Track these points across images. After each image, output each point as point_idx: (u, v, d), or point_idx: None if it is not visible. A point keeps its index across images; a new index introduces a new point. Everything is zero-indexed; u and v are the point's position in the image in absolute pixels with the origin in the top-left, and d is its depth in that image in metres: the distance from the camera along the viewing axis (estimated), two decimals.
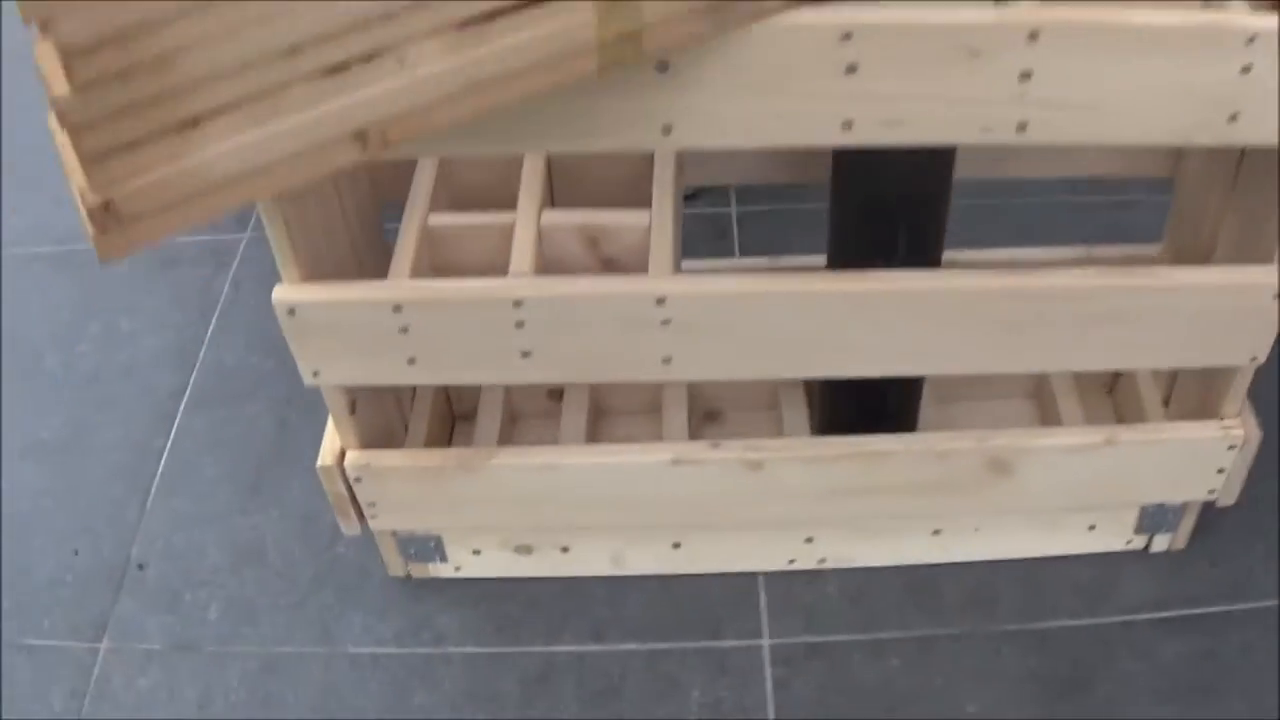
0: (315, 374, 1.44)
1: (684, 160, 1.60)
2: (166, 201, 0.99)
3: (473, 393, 1.84)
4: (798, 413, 1.81)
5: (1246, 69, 1.18)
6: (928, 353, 1.44)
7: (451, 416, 1.87)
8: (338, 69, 0.99)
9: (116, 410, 2.06)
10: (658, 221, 1.47)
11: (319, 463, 1.54)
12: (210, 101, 0.97)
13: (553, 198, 1.61)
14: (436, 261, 1.52)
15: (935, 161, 1.41)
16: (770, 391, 1.86)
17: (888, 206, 1.45)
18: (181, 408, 2.05)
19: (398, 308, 1.37)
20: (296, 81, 0.98)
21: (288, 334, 1.40)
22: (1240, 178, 1.50)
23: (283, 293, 1.37)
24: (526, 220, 1.48)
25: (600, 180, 1.59)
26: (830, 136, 1.23)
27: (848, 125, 1.22)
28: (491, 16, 1.02)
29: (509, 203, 1.52)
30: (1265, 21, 1.16)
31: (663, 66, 1.16)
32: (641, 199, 1.51)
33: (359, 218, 1.53)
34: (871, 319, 1.39)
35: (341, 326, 1.40)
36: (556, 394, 1.83)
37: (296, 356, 1.43)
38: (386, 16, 0.98)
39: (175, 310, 2.22)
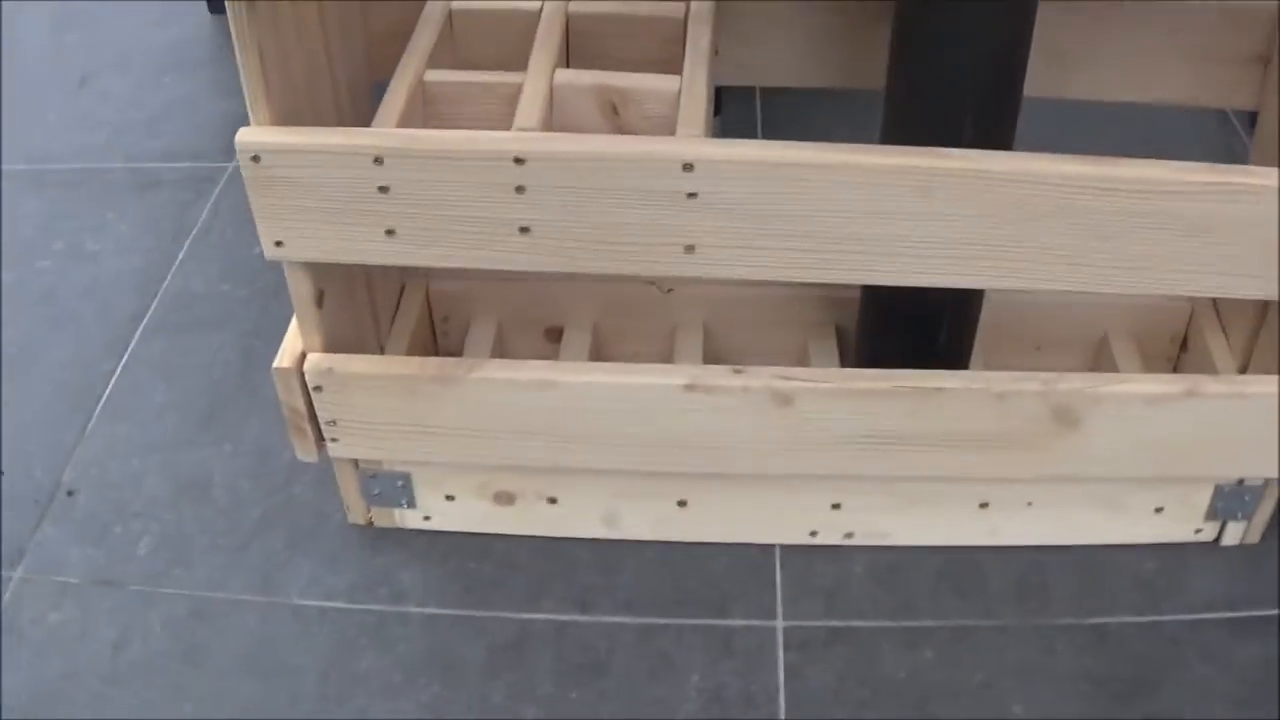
0: (278, 244, 1.24)
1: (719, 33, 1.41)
2: None
3: (460, 323, 1.64)
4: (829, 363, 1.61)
5: None
6: (997, 256, 1.23)
7: (436, 351, 1.68)
8: None
9: (69, 329, 1.89)
10: (689, 86, 1.27)
11: (274, 364, 1.33)
12: None
13: (569, 62, 1.41)
14: (431, 124, 1.32)
15: (1014, 20, 1.22)
16: (799, 342, 1.65)
17: (956, 82, 1.26)
18: (139, 331, 1.88)
19: (379, 159, 1.17)
20: None
21: (250, 188, 1.21)
22: None
23: (249, 134, 1.18)
24: (537, 77, 1.28)
25: (624, 50, 1.40)
26: None
27: None
28: None
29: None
30: None
31: None
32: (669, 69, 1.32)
33: (349, 89, 1.35)
34: (934, 205, 1.19)
35: (313, 182, 1.20)
36: (555, 333, 1.65)
37: (258, 219, 1.23)
38: None
39: (147, 233, 2.07)
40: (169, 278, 1.96)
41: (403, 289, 1.61)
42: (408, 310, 1.59)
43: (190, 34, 2.59)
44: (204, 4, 2.63)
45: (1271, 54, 1.47)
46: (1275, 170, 1.20)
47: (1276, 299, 1.26)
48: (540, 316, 1.65)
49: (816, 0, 1.46)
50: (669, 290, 1.63)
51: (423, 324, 1.61)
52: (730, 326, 1.65)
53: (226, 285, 1.94)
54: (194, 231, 2.05)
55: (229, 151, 2.16)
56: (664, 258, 1.23)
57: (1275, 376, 1.37)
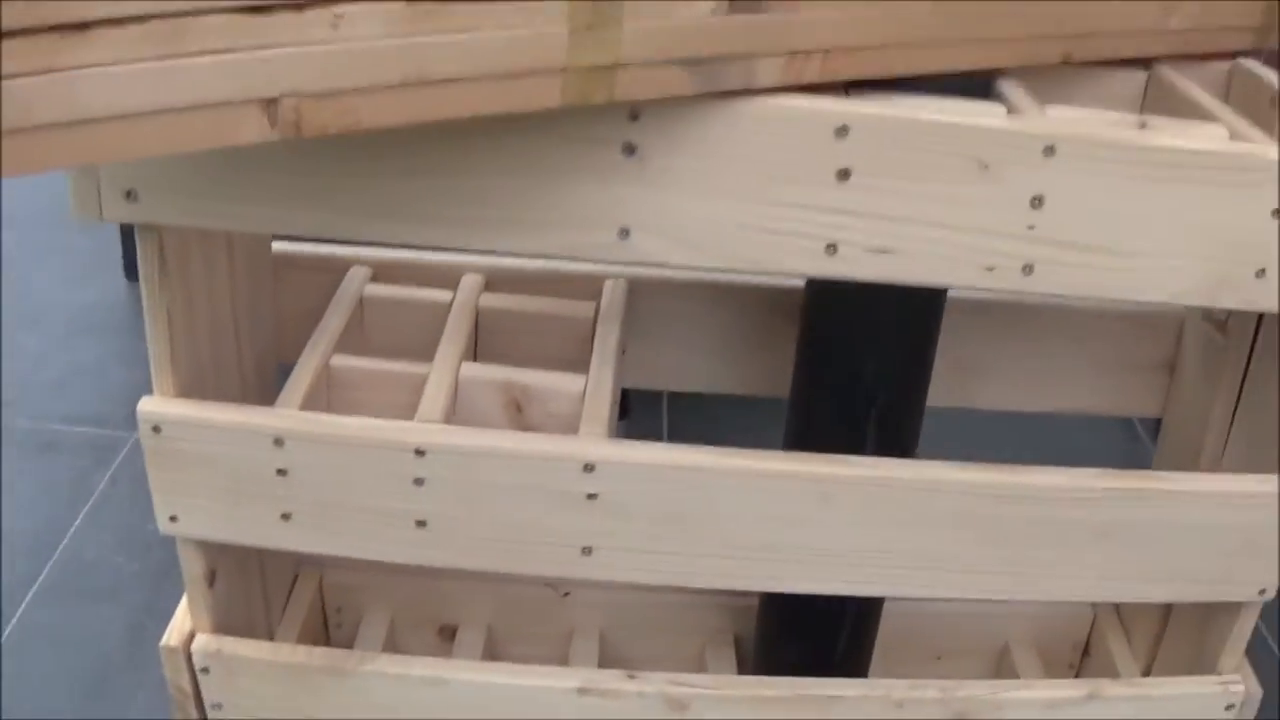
0: (173, 519, 1.21)
1: (628, 333, 1.41)
2: (35, 119, 0.78)
3: (353, 615, 1.60)
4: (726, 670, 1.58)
5: (1278, 212, 1.03)
6: (898, 565, 1.22)
7: (327, 642, 1.62)
8: (261, 9, 0.80)
9: None
10: (594, 386, 1.26)
11: (162, 641, 1.29)
12: (108, 6, 0.77)
13: (476, 355, 1.40)
14: (336, 408, 1.31)
15: (919, 328, 1.23)
16: (697, 649, 1.62)
17: (860, 389, 1.27)
18: (29, 596, 1.85)
19: (279, 441, 1.16)
20: (210, 11, 0.79)
21: (149, 459, 1.18)
22: (1254, 368, 1.34)
23: (151, 404, 1.17)
24: (443, 369, 1.28)
25: (532, 345, 1.40)
26: (811, 263, 1.06)
27: (832, 249, 1.05)
28: None
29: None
30: None
31: (634, 114, 1.00)
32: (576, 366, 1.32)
33: (256, 368, 1.34)
34: (835, 512, 1.18)
35: (211, 458, 1.17)
36: (449, 631, 1.61)
37: (154, 491, 1.20)
38: None
39: (44, 496, 2.08)
40: (63, 544, 1.92)
41: (296, 577, 1.58)
42: (300, 599, 1.55)
43: (107, 298, 2.59)
44: (121, 269, 2.63)
45: (1175, 361, 1.49)
46: (1178, 475, 1.21)
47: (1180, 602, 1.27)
48: (435, 614, 1.62)
49: (726, 305, 1.47)
50: (566, 594, 1.60)
51: (315, 614, 1.57)
52: (628, 632, 1.62)
53: (120, 557, 1.90)
54: (92, 499, 2.02)
55: (132, 421, 2.14)
56: (561, 559, 1.21)
57: (1179, 679, 1.36)
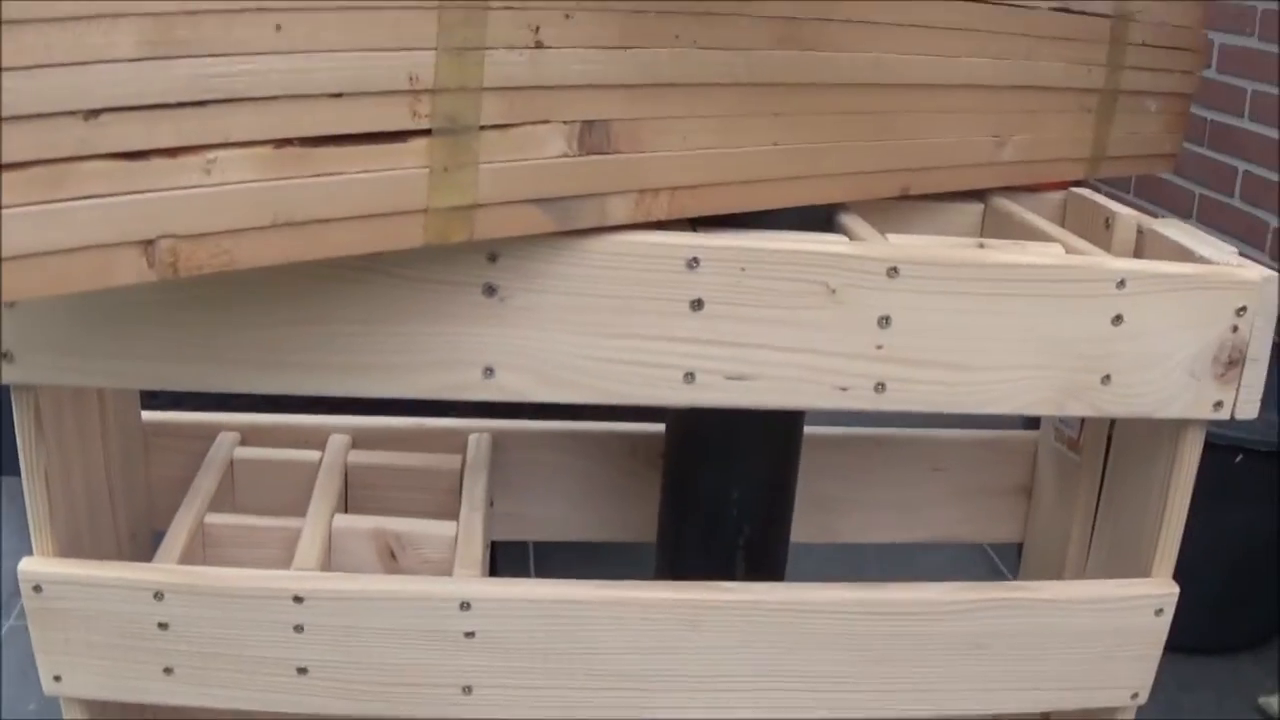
0: (56, 679, 1.20)
1: (494, 485, 1.43)
2: None
3: None
4: None
5: (1118, 319, 1.08)
6: (772, 687, 1.24)
7: None
8: (137, 155, 0.83)
9: None
10: (465, 531, 1.29)
11: None
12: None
13: (347, 511, 1.41)
14: (212, 565, 1.30)
15: (780, 453, 1.26)
16: None
17: (726, 523, 1.29)
18: None
19: (159, 595, 1.16)
20: (91, 157, 0.82)
21: (31, 620, 1.18)
22: (1110, 478, 1.38)
23: (31, 564, 1.17)
24: (316, 522, 1.29)
25: (402, 500, 1.41)
26: (671, 393, 1.09)
27: (690, 378, 1.09)
28: (315, 141, 0.90)
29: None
30: (1136, 264, 1.08)
31: (492, 255, 1.04)
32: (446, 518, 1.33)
33: (130, 534, 1.35)
34: (706, 638, 1.20)
35: (93, 615, 1.17)
36: None
37: (37, 652, 1.19)
38: (199, 105, 0.84)
39: None
40: None
41: None
42: None
43: None
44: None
45: (1032, 484, 1.53)
46: (1046, 583, 1.24)
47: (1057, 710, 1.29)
48: None
49: (588, 452, 1.50)
50: None
51: None
52: None
53: (32, 704, 1.86)
54: None
55: (8, 608, 2.14)
56: (442, 700, 1.22)
57: None
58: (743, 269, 1.06)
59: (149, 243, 0.86)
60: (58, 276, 0.84)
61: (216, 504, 1.35)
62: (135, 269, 0.86)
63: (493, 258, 1.04)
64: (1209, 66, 2.90)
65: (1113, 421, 1.36)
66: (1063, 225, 1.33)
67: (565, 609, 1.19)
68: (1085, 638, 1.26)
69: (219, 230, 0.88)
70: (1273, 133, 2.75)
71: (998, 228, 1.32)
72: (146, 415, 1.44)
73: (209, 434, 1.46)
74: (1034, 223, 1.26)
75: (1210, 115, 2.94)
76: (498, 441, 1.46)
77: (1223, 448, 2.04)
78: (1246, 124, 2.85)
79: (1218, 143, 2.94)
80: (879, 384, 1.10)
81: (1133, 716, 1.34)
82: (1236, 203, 2.89)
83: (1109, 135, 1.38)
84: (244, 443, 1.45)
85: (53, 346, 1.07)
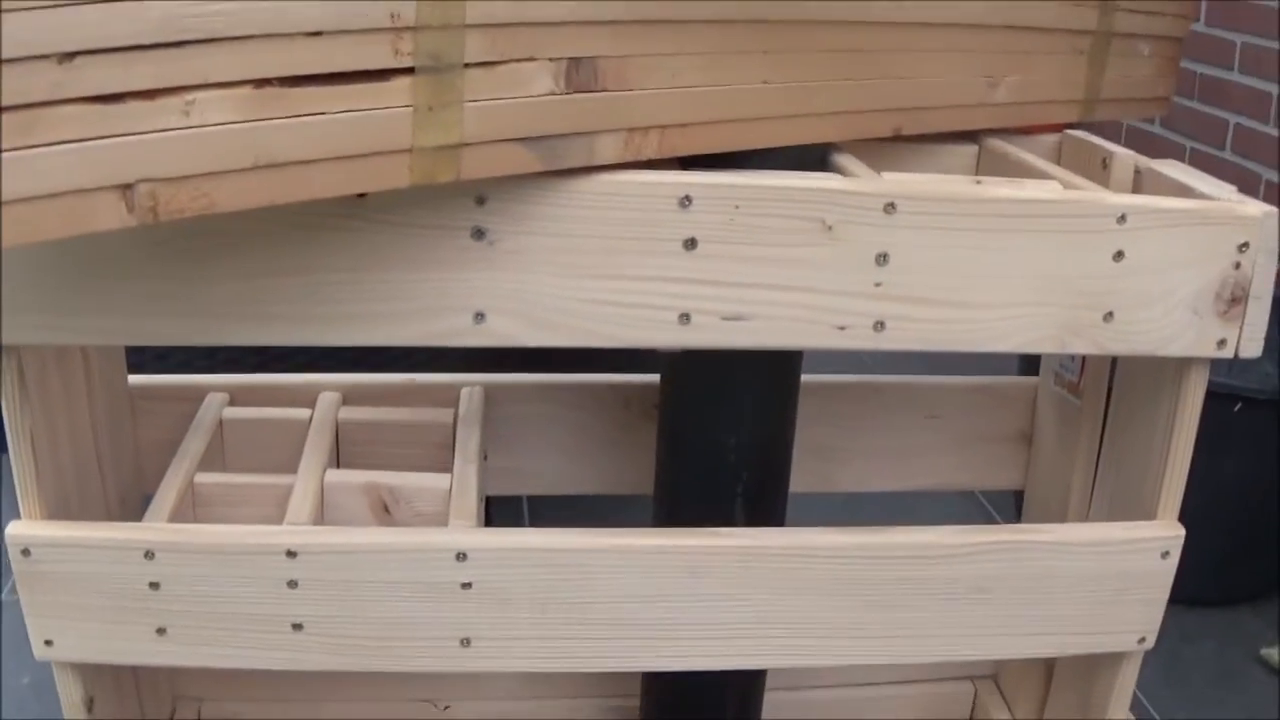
0: (47, 643, 1.18)
1: (487, 439, 1.41)
2: None
3: None
4: None
5: (1119, 255, 1.06)
6: (773, 635, 1.22)
7: None
8: (114, 98, 0.81)
9: None
10: (460, 483, 1.27)
11: None
12: None
13: (339, 465, 1.40)
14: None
15: (778, 397, 1.25)
16: None
17: (723, 468, 1.28)
18: None
19: (149, 554, 1.14)
20: (66, 101, 0.79)
21: (20, 584, 1.16)
22: (1112, 421, 1.35)
23: (19, 528, 1.15)
24: (308, 478, 1.27)
25: (394, 455, 1.40)
26: (665, 334, 1.08)
27: (685, 319, 1.07)
28: (295, 81, 0.87)
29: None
30: (1137, 199, 1.06)
31: (480, 198, 1.02)
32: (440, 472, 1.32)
33: (119, 498, 1.33)
34: (706, 585, 1.19)
35: (82, 577, 1.16)
36: None
37: (28, 617, 1.18)
38: (176, 46, 0.82)
39: None
40: None
41: (174, 711, 1.55)
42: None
43: None
44: None
45: (1032, 430, 1.52)
46: (1050, 526, 1.23)
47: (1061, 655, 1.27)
48: None
49: (582, 404, 1.49)
50: (446, 707, 1.59)
51: None
52: None
53: (25, 678, 1.85)
54: None
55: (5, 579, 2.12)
56: (440, 652, 1.20)
57: None
58: (736, 207, 1.04)
59: (128, 187, 0.84)
60: (34, 224, 0.81)
61: (206, 464, 1.34)
62: (115, 214, 0.84)
63: (480, 200, 1.02)
64: (1198, 19, 2.88)
65: (1114, 364, 1.35)
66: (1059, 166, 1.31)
67: (564, 558, 1.17)
68: (1090, 581, 1.25)
69: (199, 173, 0.85)
70: (1262, 85, 2.74)
71: (993, 168, 1.30)
72: (133, 378, 1.42)
73: (197, 395, 1.44)
74: (1030, 162, 1.25)
75: (1200, 69, 2.93)
76: (490, 395, 1.45)
77: (1222, 396, 2.02)
78: (1237, 77, 2.84)
79: (1208, 96, 2.93)
80: (878, 322, 1.09)
81: (1139, 662, 1.33)
82: (1228, 155, 2.87)
83: (1102, 78, 1.36)
84: (233, 403, 1.43)
85: (35, 306, 1.05)
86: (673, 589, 1.18)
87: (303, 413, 1.40)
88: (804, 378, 1.33)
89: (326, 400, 1.42)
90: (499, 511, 2.15)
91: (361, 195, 1.00)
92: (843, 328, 1.08)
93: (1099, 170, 1.27)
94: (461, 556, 1.15)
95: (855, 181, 1.07)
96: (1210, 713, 2.05)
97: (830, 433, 1.50)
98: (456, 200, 1.02)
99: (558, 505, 1.60)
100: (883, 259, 1.07)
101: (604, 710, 1.60)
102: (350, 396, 1.44)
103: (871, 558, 1.20)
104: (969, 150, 1.33)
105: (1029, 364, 1.56)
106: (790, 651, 1.23)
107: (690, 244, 1.05)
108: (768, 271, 1.06)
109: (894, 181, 1.08)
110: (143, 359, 1.43)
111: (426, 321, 1.06)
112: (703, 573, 1.18)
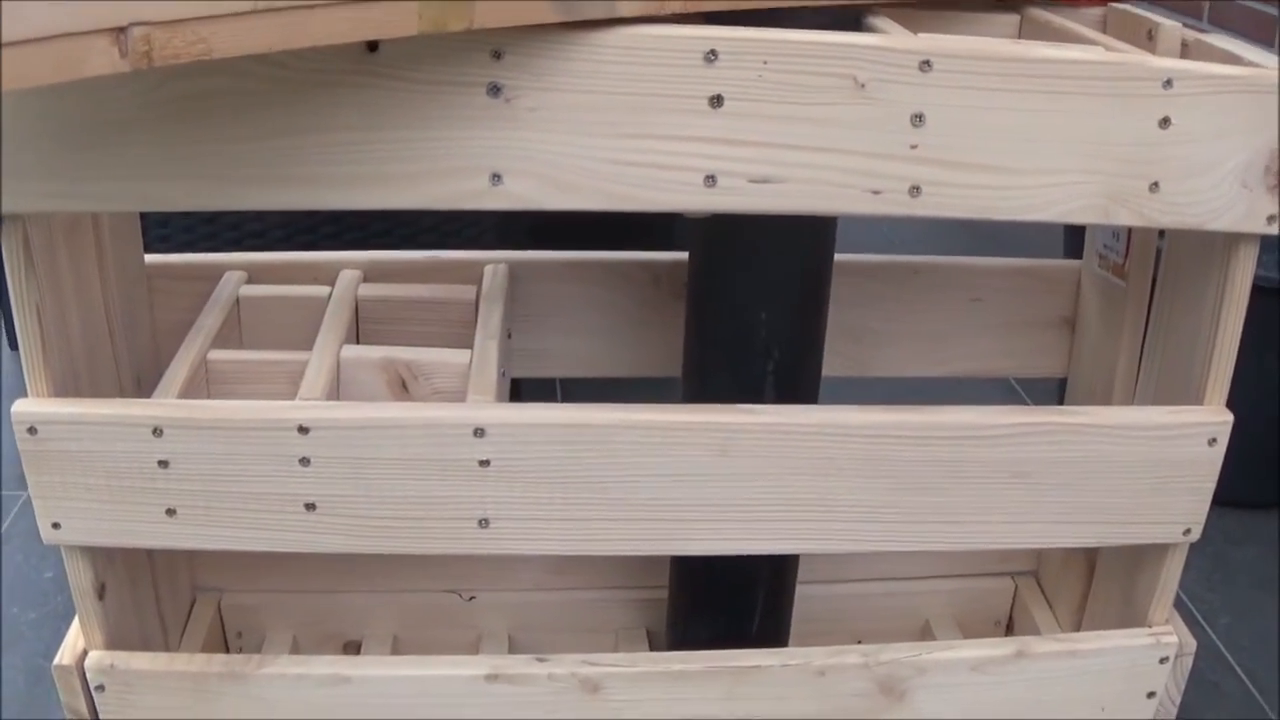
0: (55, 525, 1.15)
1: (511, 319, 1.37)
2: None
3: (254, 638, 1.55)
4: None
5: (1165, 122, 1.02)
6: (804, 518, 1.18)
7: None
8: None
9: None
10: (480, 359, 1.23)
11: (54, 661, 1.23)
12: None
13: (359, 342, 1.36)
14: None
15: (810, 271, 1.20)
16: (608, 647, 1.58)
17: (756, 342, 1.23)
18: None
19: (158, 430, 1.11)
20: None
21: (27, 464, 1.13)
22: (1158, 303, 1.30)
23: (25, 405, 1.11)
24: (323, 354, 1.23)
25: (415, 331, 1.36)
26: (690, 197, 1.03)
27: (711, 181, 1.02)
28: None
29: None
30: (1183, 64, 1.01)
31: (496, 52, 0.97)
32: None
33: (133, 379, 1.30)
34: (735, 464, 1.15)
35: (90, 456, 1.12)
36: (354, 647, 1.56)
37: (35, 498, 1.15)
38: None
39: None
40: None
41: (194, 601, 1.52)
42: (199, 622, 1.49)
43: None
44: (4, 339, 2.58)
45: (1075, 316, 1.47)
46: (1093, 409, 1.19)
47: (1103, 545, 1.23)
48: (337, 630, 1.57)
49: (609, 283, 1.44)
50: (471, 598, 1.56)
51: (214, 637, 1.51)
52: (535, 633, 1.58)
53: (15, 608, 1.83)
54: None
55: (22, 480, 2.09)
56: (458, 534, 1.17)
57: (1109, 632, 1.33)
58: (764, 62, 0.99)
59: (120, 30, 0.79)
60: (23, 70, 0.77)
61: (221, 342, 1.30)
62: (107, 59, 0.80)
63: (497, 55, 0.97)
64: None
65: (1159, 245, 1.30)
66: None
67: (586, 434, 1.13)
68: (1134, 468, 1.20)
69: (195, 16, 0.81)
70: None
71: (1035, 37, 1.25)
72: (150, 257, 1.38)
73: (214, 275, 1.40)
74: (1074, 29, 1.19)
75: None
76: (515, 273, 1.40)
77: (1269, 291, 1.96)
78: None
79: None
80: (914, 187, 1.04)
81: (1183, 558, 1.29)
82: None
83: None
84: (251, 281, 1.40)
85: (36, 172, 1.01)
86: (700, 468, 1.14)
87: (322, 290, 1.36)
88: (838, 257, 1.28)
89: (347, 277, 1.38)
90: (530, 398, 2.12)
91: (373, 49, 0.96)
92: (877, 192, 1.03)
93: (1145, 42, 1.22)
94: (479, 432, 1.11)
95: (889, 38, 1.02)
96: (1256, 618, 2.00)
97: (865, 314, 1.45)
98: (471, 54, 0.97)
99: (590, 393, 1.56)
100: (918, 120, 1.02)
101: (631, 603, 1.57)
102: (371, 274, 1.40)
103: (907, 437, 1.15)
104: (1010, 19, 1.28)
105: (1071, 248, 1.51)
106: (822, 535, 1.19)
107: (716, 101, 1.00)
108: (798, 131, 1.01)
109: (928, 39, 1.03)
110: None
111: (441, 183, 1.01)
112: (732, 451, 1.14)
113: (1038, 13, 1.26)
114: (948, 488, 1.18)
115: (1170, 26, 1.20)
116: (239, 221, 1.82)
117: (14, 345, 2.53)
